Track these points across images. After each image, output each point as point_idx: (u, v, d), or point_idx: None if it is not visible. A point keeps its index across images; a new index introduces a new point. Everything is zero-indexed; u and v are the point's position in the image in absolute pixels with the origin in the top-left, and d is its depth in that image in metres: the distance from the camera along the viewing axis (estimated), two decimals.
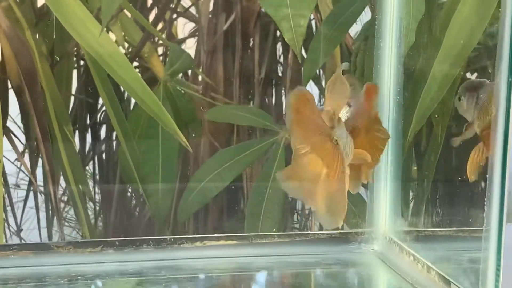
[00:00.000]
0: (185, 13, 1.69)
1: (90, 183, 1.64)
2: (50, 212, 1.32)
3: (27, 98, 1.08)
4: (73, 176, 1.17)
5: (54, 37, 1.42)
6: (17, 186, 1.39)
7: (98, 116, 1.55)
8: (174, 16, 1.67)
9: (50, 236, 1.32)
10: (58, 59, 1.38)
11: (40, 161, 1.31)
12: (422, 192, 1.04)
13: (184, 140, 1.02)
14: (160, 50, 1.64)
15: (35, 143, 1.23)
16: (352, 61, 1.31)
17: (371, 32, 1.23)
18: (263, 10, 1.43)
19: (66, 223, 1.79)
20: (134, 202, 1.57)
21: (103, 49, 1.05)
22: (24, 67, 1.08)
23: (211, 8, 1.53)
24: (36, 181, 1.20)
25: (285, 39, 0.86)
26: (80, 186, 1.22)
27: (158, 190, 1.15)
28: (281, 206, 1.04)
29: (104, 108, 1.55)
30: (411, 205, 1.04)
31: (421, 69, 1.00)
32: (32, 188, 1.30)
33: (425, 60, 0.99)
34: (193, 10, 1.69)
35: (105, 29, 1.08)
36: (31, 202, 1.43)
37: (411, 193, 1.04)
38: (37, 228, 1.37)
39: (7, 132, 1.26)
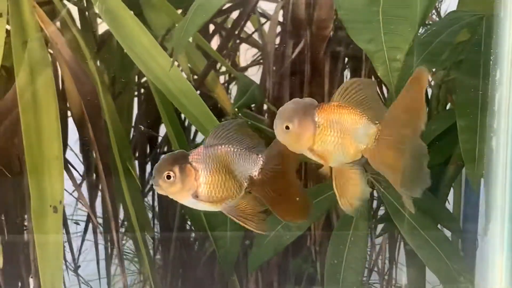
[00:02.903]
0: (249, 40, 1.62)
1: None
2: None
3: (90, 133, 1.01)
4: (135, 216, 1.09)
5: (114, 66, 1.37)
6: (76, 223, 1.33)
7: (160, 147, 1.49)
8: (237, 42, 1.60)
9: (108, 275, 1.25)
10: (120, 89, 1.32)
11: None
12: None
13: None
14: (222, 78, 1.58)
15: (94, 178, 1.17)
16: (434, 94, 1.20)
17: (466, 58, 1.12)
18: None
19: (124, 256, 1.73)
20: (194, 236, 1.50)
21: (171, 83, 0.98)
22: (87, 100, 1.02)
23: (277, 36, 1.46)
24: (96, 217, 1.13)
25: (378, 74, 0.76)
26: (142, 225, 1.14)
27: (226, 233, 1.06)
28: (364, 256, 0.94)
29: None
30: None
31: None
32: (91, 224, 1.24)
33: None
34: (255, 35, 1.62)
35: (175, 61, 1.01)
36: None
37: None
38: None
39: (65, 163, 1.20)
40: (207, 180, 0.73)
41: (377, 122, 0.70)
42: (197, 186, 0.73)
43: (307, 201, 0.77)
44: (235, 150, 0.74)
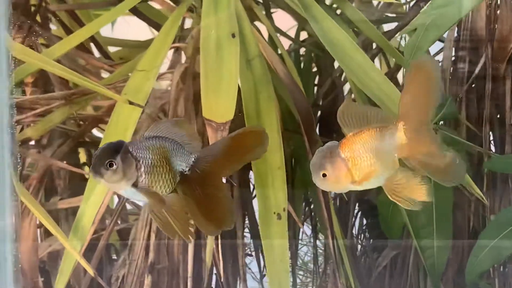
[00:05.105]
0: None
1: None
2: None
3: (307, 147, 1.07)
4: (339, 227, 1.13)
5: None
6: None
7: None
8: None
9: None
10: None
11: None
12: None
13: (479, 192, 0.95)
14: None
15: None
16: None
17: None
18: None
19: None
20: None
21: (386, 96, 1.02)
22: (303, 115, 1.07)
23: (453, 52, 1.46)
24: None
25: None
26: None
27: (433, 242, 1.08)
28: None
29: None
30: None
31: None
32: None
33: None
34: None
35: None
36: None
37: None
38: None
39: None
40: (148, 170, 0.73)
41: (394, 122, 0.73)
42: (137, 176, 0.73)
43: (231, 208, 0.77)
44: (170, 143, 0.75)
